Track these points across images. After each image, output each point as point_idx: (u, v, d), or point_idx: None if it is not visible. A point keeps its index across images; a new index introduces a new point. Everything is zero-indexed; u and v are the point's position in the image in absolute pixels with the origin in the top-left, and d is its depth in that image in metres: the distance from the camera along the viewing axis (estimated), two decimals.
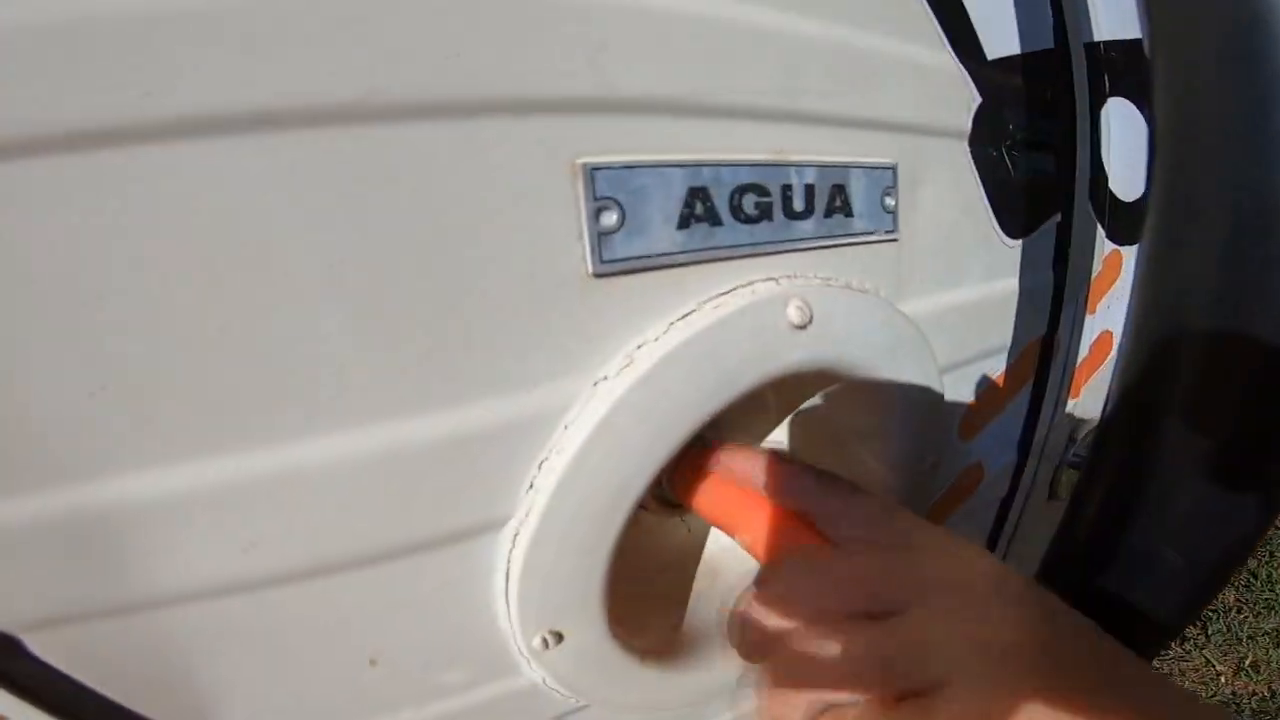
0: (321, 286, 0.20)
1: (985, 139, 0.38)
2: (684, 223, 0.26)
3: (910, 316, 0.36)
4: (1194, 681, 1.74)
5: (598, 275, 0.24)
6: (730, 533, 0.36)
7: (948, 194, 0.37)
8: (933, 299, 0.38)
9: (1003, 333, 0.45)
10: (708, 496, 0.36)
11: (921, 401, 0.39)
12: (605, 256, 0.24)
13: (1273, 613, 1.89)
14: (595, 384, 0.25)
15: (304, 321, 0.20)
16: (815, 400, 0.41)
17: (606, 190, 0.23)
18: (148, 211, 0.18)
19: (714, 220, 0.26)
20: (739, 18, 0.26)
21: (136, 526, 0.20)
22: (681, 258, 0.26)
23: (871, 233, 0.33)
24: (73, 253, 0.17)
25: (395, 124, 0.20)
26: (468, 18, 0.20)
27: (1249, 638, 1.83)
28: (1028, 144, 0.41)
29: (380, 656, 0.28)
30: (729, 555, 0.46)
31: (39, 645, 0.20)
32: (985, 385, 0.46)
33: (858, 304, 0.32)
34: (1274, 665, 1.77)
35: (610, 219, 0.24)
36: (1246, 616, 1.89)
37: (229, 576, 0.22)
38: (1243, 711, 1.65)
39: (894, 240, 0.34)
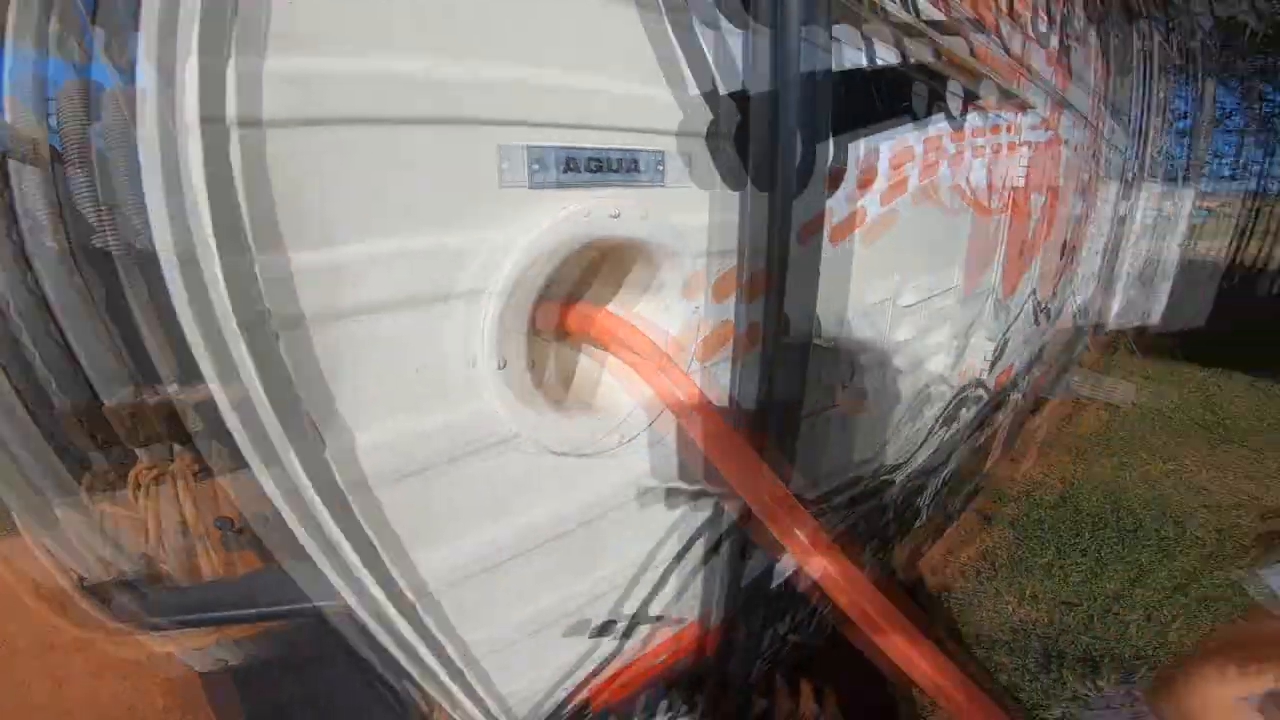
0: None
1: (714, 136, 0.78)
2: (564, 170, 0.63)
3: (674, 224, 0.75)
4: (990, 610, 1.96)
5: (531, 188, 0.61)
6: (596, 343, 0.74)
7: (695, 165, 0.77)
8: (687, 216, 0.78)
9: (733, 241, 0.86)
10: (578, 317, 0.74)
11: (682, 267, 0.79)
12: (533, 182, 0.61)
13: (1045, 549, 2.28)
14: (528, 230, 0.62)
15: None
16: (631, 270, 0.80)
17: (535, 155, 0.60)
18: None
19: (577, 170, 0.64)
20: (590, 86, 0.63)
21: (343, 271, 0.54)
22: (565, 184, 0.63)
23: (650, 182, 0.71)
24: None
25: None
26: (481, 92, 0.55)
27: (1027, 570, 2.15)
28: (739, 139, 0.82)
29: (422, 367, 0.63)
30: (592, 370, 0.85)
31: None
32: (726, 270, 0.88)
33: (644, 212, 0.71)
34: (1049, 595, 2.01)
35: (535, 166, 0.60)
36: (1024, 553, 2.26)
37: (362, 304, 0.56)
38: (1030, 639, 1.81)
39: (662, 187, 0.73)
